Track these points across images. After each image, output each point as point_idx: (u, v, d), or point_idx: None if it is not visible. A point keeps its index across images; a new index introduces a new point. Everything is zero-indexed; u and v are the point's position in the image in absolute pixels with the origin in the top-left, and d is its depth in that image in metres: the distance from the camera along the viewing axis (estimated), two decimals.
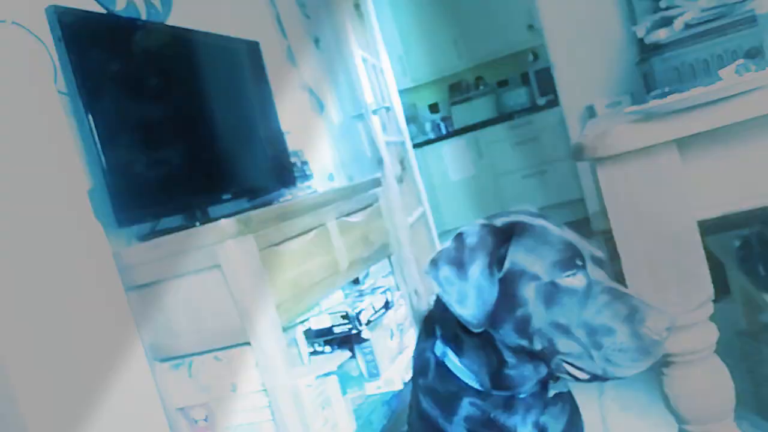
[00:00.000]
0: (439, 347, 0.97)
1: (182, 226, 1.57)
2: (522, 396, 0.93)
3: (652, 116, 0.89)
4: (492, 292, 0.84)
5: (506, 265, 0.85)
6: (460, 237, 0.89)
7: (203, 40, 1.84)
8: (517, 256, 0.85)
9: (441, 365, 0.96)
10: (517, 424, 0.94)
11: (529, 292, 0.83)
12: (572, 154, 0.96)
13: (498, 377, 0.91)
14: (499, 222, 0.90)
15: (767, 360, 1.53)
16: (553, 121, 4.63)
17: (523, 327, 0.84)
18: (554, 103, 4.51)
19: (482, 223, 0.90)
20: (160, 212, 1.56)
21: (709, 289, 0.94)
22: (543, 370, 0.89)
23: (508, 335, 0.86)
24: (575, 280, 0.83)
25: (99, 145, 1.35)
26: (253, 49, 2.05)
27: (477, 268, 0.84)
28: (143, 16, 1.83)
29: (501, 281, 0.85)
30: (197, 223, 1.54)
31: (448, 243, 0.90)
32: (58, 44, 1.33)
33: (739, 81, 0.81)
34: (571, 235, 0.88)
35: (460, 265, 0.85)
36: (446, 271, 0.86)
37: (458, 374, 0.94)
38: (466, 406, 0.94)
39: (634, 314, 0.79)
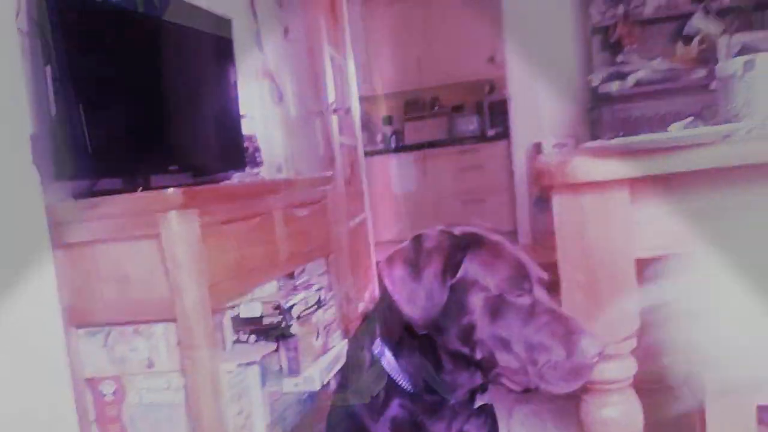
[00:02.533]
0: (377, 346, 0.97)
1: (120, 190, 1.51)
2: (451, 403, 0.95)
3: (611, 152, 0.94)
4: (441, 296, 0.85)
5: (460, 272, 0.87)
6: (418, 239, 0.90)
7: (174, 7, 1.78)
8: (471, 265, 0.88)
9: (376, 364, 0.97)
10: (442, 430, 0.95)
11: (477, 302, 0.86)
12: (533, 178, 1.00)
13: (432, 381, 0.92)
14: (457, 231, 0.92)
15: (665, 401, 1.63)
16: (499, 153, 4.78)
17: (467, 335, 0.86)
18: (502, 136, 4.66)
19: (441, 229, 0.92)
20: (103, 171, 1.49)
21: (636, 325, 1.00)
22: (477, 379, 0.91)
23: (450, 341, 0.88)
24: (521, 297, 0.86)
25: (51, 92, 1.29)
26: (225, 26, 2.00)
27: (431, 271, 0.86)
28: None
29: (452, 287, 0.87)
30: (138, 189, 1.49)
31: (406, 243, 0.91)
32: None
33: (697, 133, 0.87)
34: (522, 255, 0.91)
35: (415, 265, 0.87)
36: (401, 269, 0.87)
37: (392, 374, 0.94)
38: (395, 407, 0.95)
39: (569, 336, 0.82)
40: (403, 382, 0.94)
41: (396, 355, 0.94)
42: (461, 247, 0.89)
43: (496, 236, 0.92)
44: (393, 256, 0.89)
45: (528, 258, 0.91)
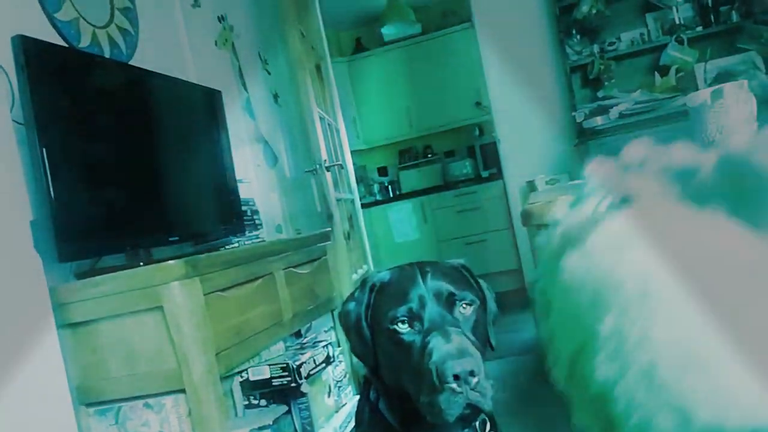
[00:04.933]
0: (373, 393, 1.02)
1: (123, 265, 1.53)
2: None
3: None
4: (365, 340, 0.95)
5: (369, 316, 0.96)
6: (352, 295, 1.00)
7: (165, 83, 1.86)
8: (376, 309, 0.95)
9: (375, 410, 1.00)
10: None
11: (383, 339, 0.92)
12: (521, 219, 1.03)
13: (408, 419, 0.94)
14: (379, 279, 0.98)
15: None
16: (496, 193, 4.82)
17: (394, 372, 0.92)
18: (497, 176, 4.71)
19: (366, 279, 1.00)
20: (104, 249, 1.53)
21: None
22: None
23: (389, 380, 0.94)
24: (407, 327, 0.89)
25: (49, 178, 1.33)
26: (214, 97, 2.08)
27: (358, 316, 0.96)
28: (107, 55, 1.83)
29: (371, 329, 0.95)
30: (140, 264, 1.51)
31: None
32: (19, 73, 1.33)
33: None
34: (421, 290, 0.91)
35: (349, 318, 0.98)
36: (343, 324, 0.99)
37: (387, 417, 0.98)
38: None
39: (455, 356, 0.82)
40: (394, 423, 0.97)
41: (382, 398, 0.99)
42: (372, 289, 0.96)
43: (412, 270, 0.95)
44: (341, 311, 0.99)
45: (425, 288, 0.91)
